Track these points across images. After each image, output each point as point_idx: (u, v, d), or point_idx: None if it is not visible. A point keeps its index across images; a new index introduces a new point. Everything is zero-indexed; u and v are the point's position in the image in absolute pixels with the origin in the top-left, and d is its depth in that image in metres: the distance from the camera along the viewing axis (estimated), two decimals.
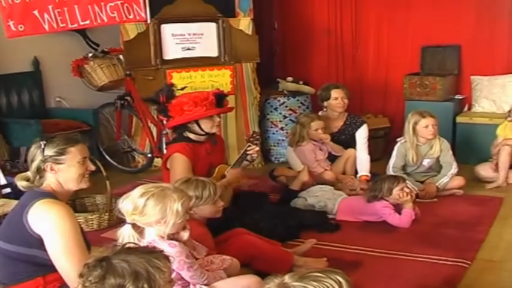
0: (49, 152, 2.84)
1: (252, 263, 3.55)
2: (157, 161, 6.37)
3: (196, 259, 3.08)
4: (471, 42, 6.73)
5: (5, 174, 4.82)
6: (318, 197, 4.92)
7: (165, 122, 5.58)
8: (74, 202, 4.82)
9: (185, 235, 2.90)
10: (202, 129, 4.45)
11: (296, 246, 4.08)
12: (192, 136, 4.49)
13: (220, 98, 4.51)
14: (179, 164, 4.31)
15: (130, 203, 2.73)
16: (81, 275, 2.01)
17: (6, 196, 4.56)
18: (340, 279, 1.85)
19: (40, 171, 2.85)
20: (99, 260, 2.00)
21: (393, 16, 7.11)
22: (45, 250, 2.67)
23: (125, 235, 2.67)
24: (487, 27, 6.65)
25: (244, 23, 6.45)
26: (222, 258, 3.31)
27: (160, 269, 2.02)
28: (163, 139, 6.05)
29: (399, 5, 7.04)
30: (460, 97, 6.81)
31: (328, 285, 1.83)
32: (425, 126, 5.32)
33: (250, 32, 6.44)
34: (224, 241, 3.66)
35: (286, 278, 1.86)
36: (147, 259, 2.02)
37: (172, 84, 4.76)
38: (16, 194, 4.34)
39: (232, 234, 3.73)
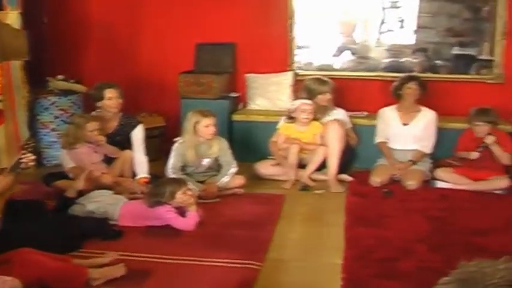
0: None
1: (44, 284, 3.23)
2: None
3: None
4: (246, 40, 6.81)
5: None
6: (98, 202, 4.64)
7: None
8: None
9: None
10: None
11: (92, 257, 3.75)
12: None
13: None
14: None
15: None
16: None
17: None
18: None
19: None
20: None
21: (169, 13, 6.97)
22: None
23: None
24: (262, 26, 6.75)
25: (12, 17, 5.91)
26: (2, 280, 2.98)
27: None
28: None
29: (176, 1, 6.95)
30: (235, 95, 6.87)
31: None
32: (206, 125, 5.31)
33: (18, 27, 5.93)
34: (5, 262, 3.24)
35: None
36: None
37: None
38: None
39: (14, 254, 3.30)
